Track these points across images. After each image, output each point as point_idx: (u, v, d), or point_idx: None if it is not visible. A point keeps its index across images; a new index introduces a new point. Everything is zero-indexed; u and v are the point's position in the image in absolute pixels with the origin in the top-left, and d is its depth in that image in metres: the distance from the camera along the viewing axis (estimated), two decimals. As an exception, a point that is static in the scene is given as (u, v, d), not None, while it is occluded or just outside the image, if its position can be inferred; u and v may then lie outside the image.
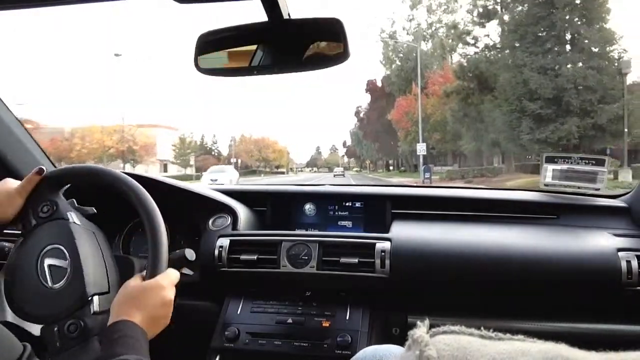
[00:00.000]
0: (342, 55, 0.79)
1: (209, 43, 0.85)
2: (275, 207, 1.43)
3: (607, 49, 16.56)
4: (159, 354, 0.90)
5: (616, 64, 16.25)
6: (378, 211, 1.37)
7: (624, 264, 1.03)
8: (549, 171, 1.35)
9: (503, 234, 1.21)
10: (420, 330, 0.39)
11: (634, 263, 1.03)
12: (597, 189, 1.30)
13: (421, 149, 19.61)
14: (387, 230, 1.24)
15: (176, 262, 1.07)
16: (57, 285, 0.91)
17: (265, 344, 1.10)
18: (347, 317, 1.12)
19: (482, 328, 0.39)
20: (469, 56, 21.23)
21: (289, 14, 0.76)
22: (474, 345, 0.37)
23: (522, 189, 1.50)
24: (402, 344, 0.79)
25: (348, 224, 1.41)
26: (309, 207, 1.43)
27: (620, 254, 1.05)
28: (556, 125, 16.18)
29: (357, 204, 1.40)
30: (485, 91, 18.98)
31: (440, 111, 22.83)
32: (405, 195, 1.41)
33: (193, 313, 1.26)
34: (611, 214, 1.27)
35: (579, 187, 1.31)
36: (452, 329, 0.39)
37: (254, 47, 0.84)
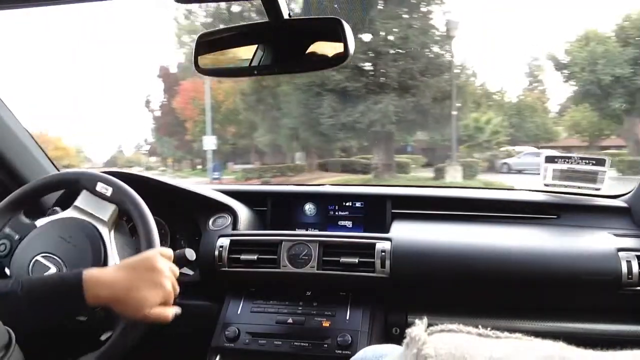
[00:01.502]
0: (342, 55, 0.79)
1: (208, 43, 0.85)
2: (275, 207, 1.43)
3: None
4: (159, 353, 0.90)
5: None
6: (378, 211, 1.37)
7: (624, 264, 1.03)
8: (549, 171, 1.35)
9: (503, 233, 1.21)
10: (418, 328, 0.39)
11: (634, 263, 1.03)
12: (598, 189, 1.30)
13: (209, 143, 15.45)
14: (387, 230, 1.24)
15: (176, 262, 1.07)
16: None
17: (266, 344, 1.10)
18: (347, 317, 1.12)
19: (480, 327, 0.39)
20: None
21: (289, 14, 0.76)
22: (471, 343, 0.37)
23: (522, 189, 1.50)
24: (402, 343, 0.79)
25: (348, 223, 1.41)
26: (309, 207, 1.43)
27: (621, 254, 1.05)
28: (368, 105, 11.64)
29: (358, 204, 1.40)
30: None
31: (234, 98, 17.70)
32: (406, 195, 1.41)
33: (193, 313, 1.26)
34: (611, 214, 1.27)
35: (579, 187, 1.31)
36: (449, 327, 0.39)
37: (254, 47, 0.84)
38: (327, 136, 12.95)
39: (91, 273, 0.78)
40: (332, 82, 11.60)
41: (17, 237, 0.99)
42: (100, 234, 0.97)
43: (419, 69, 11.85)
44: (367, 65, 12.18)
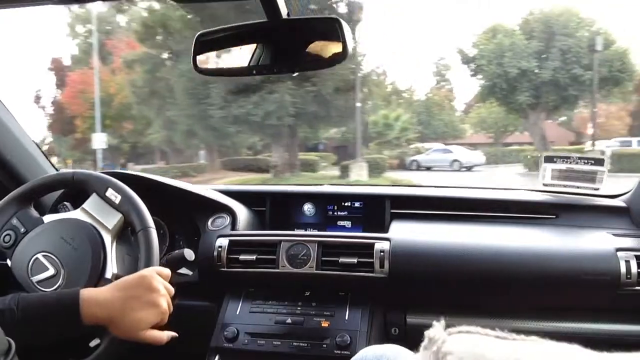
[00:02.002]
0: (340, 55, 0.79)
1: (206, 43, 0.85)
2: (274, 207, 1.43)
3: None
4: (159, 353, 0.90)
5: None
6: (377, 211, 1.37)
7: (622, 264, 1.03)
8: (547, 171, 1.35)
9: (502, 233, 1.21)
10: (437, 329, 0.39)
11: (633, 263, 1.03)
12: (597, 189, 1.30)
13: (98, 141, 13.77)
14: (386, 230, 1.24)
15: (175, 262, 1.07)
16: (55, 287, 0.94)
17: (265, 344, 1.10)
18: (346, 317, 1.12)
19: (497, 329, 0.39)
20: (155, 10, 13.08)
21: (288, 14, 0.76)
22: (489, 345, 0.37)
23: (521, 189, 1.50)
24: (401, 344, 0.79)
25: (347, 224, 1.40)
26: (308, 207, 1.43)
27: (619, 253, 1.05)
28: (262, 95, 9.99)
29: (356, 204, 1.40)
30: (182, 57, 11.40)
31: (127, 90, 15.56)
32: (405, 195, 1.41)
33: (192, 313, 1.26)
34: (610, 214, 1.27)
35: (578, 187, 1.32)
36: (467, 329, 0.39)
37: (253, 46, 0.84)
38: (218, 130, 11.34)
39: (88, 293, 0.79)
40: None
41: (22, 230, 1.00)
42: (102, 241, 0.96)
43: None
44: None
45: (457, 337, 0.38)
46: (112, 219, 0.98)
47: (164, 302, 0.83)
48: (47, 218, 1.01)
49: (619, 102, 17.40)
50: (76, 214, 1.00)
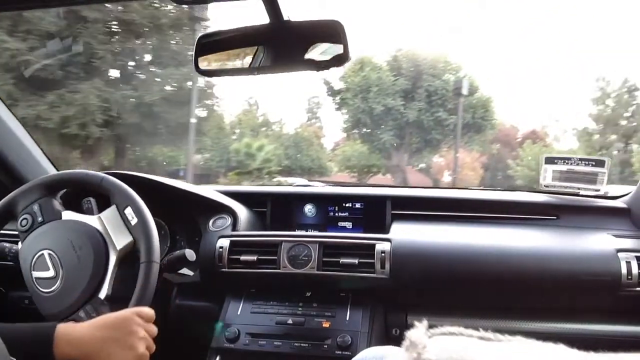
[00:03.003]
0: (341, 57, 0.79)
1: (209, 44, 0.86)
2: (275, 208, 1.43)
3: None
4: (159, 353, 0.91)
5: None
6: (378, 212, 1.37)
7: (623, 265, 1.03)
8: (548, 172, 1.35)
9: (503, 234, 1.22)
10: (418, 331, 0.39)
11: (634, 264, 1.03)
12: (597, 190, 1.30)
13: None
14: (387, 231, 1.24)
15: (176, 263, 1.07)
16: (49, 290, 0.94)
17: (266, 345, 1.10)
18: (347, 318, 1.12)
19: (480, 329, 0.39)
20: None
21: (289, 16, 0.76)
22: (472, 347, 0.37)
23: (522, 190, 1.50)
24: (402, 345, 0.79)
25: (348, 224, 1.41)
26: (309, 208, 1.43)
27: (620, 254, 1.05)
28: (63, 94, 7.71)
29: (357, 205, 1.40)
30: None
31: None
32: (405, 196, 1.41)
33: (193, 313, 1.26)
34: (611, 215, 1.27)
35: (578, 188, 1.32)
36: (450, 330, 0.39)
37: (254, 48, 0.84)
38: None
39: (64, 330, 0.77)
40: (8, 54, 6.93)
41: (40, 219, 1.00)
42: (107, 259, 0.95)
43: (152, 51, 8.28)
44: (64, 31, 7.70)
45: (438, 339, 0.38)
46: (123, 240, 0.96)
47: (142, 345, 0.81)
48: (66, 215, 1.01)
49: (479, 150, 17.22)
50: (92, 221, 0.98)
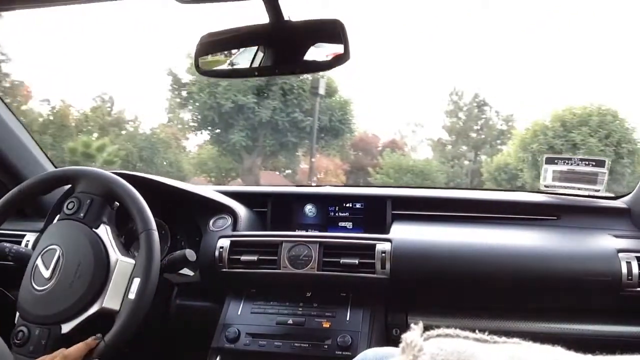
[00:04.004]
0: (342, 57, 0.79)
1: (209, 44, 0.86)
2: (275, 208, 1.43)
3: None
4: (160, 353, 0.91)
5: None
6: (378, 212, 1.37)
7: (624, 265, 1.03)
8: (549, 172, 1.35)
9: (503, 235, 1.21)
10: (414, 333, 0.38)
11: (634, 264, 1.03)
12: (597, 190, 1.30)
13: None
14: (387, 231, 1.24)
15: (177, 263, 1.07)
16: (38, 288, 0.95)
17: (266, 345, 1.10)
18: (348, 318, 1.12)
19: (477, 331, 0.39)
20: None
21: (289, 16, 0.76)
22: (468, 349, 0.36)
23: (523, 190, 1.50)
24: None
25: (348, 224, 1.41)
26: (309, 208, 1.43)
27: (621, 255, 1.05)
28: None
29: (358, 205, 1.40)
30: None
31: None
32: (406, 197, 1.41)
33: (193, 313, 1.26)
34: (611, 215, 1.27)
35: (579, 189, 1.32)
36: (446, 332, 0.39)
37: (254, 48, 0.84)
38: None
39: None
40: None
41: (82, 214, 0.99)
42: (102, 288, 0.94)
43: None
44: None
45: (434, 341, 0.38)
46: (114, 303, 0.93)
47: None
48: (103, 230, 0.99)
49: (336, 156, 16.71)
50: (113, 259, 0.96)
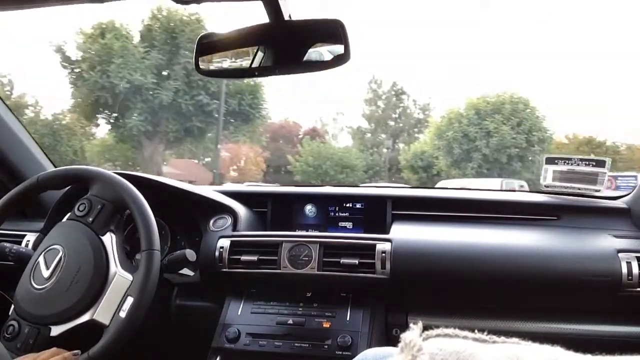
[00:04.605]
0: (342, 57, 0.79)
1: (209, 44, 0.86)
2: (275, 208, 1.43)
3: None
4: (160, 354, 0.91)
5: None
6: (378, 212, 1.37)
7: (624, 265, 1.03)
8: (549, 172, 1.35)
9: (503, 235, 1.22)
10: (413, 333, 0.38)
11: (634, 264, 1.03)
12: (598, 190, 1.30)
13: None
14: (387, 231, 1.24)
15: (177, 263, 1.07)
16: (35, 286, 0.95)
17: (266, 345, 1.10)
18: (348, 318, 1.12)
19: (476, 331, 0.39)
20: None
21: (289, 15, 0.76)
22: (467, 349, 0.36)
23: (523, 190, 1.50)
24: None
25: (348, 224, 1.41)
26: (309, 208, 1.43)
27: (621, 255, 1.05)
28: None
29: (358, 205, 1.40)
30: None
31: None
32: (406, 197, 1.41)
33: (193, 313, 1.26)
34: (611, 215, 1.27)
35: (579, 189, 1.32)
36: (445, 332, 0.39)
37: (254, 48, 0.84)
38: None
39: None
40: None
41: (90, 219, 0.99)
42: (99, 293, 0.93)
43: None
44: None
45: (433, 341, 0.38)
46: (106, 316, 0.93)
47: None
48: (107, 239, 0.99)
49: (248, 142, 16.09)
50: (112, 272, 0.96)
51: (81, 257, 0.96)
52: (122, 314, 0.90)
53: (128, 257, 1.01)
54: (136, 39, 11.79)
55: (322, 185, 1.66)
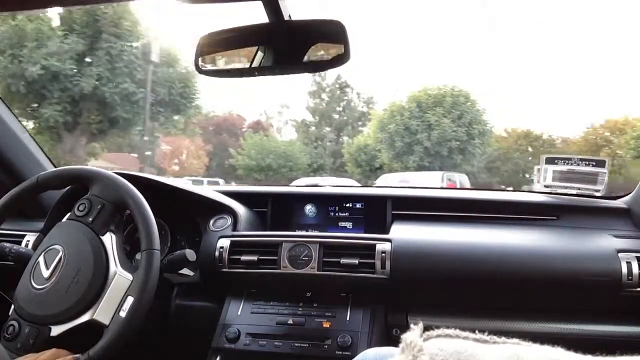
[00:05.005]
0: (342, 57, 0.79)
1: (210, 44, 0.86)
2: (275, 208, 1.43)
3: None
4: (160, 354, 0.91)
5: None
6: (378, 212, 1.37)
7: (624, 265, 1.03)
8: (549, 172, 1.35)
9: (503, 235, 1.22)
10: (414, 334, 0.38)
11: (634, 264, 1.03)
12: (597, 190, 1.30)
13: None
14: (387, 231, 1.24)
15: (177, 263, 1.07)
16: (35, 287, 0.95)
17: (266, 345, 1.10)
18: (348, 318, 1.12)
19: (477, 331, 0.39)
20: None
21: (289, 15, 0.76)
22: (468, 349, 0.36)
23: (523, 190, 1.50)
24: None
25: (348, 224, 1.41)
26: (309, 208, 1.43)
27: (620, 255, 1.05)
28: None
29: (358, 205, 1.40)
30: None
31: None
32: (406, 197, 1.41)
33: (193, 313, 1.26)
34: (611, 215, 1.27)
35: (579, 189, 1.32)
36: (446, 332, 0.39)
37: (254, 48, 0.84)
38: None
39: None
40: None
41: (90, 219, 0.98)
42: (99, 293, 0.93)
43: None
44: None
45: (434, 342, 0.38)
46: (107, 316, 0.92)
47: None
48: (107, 239, 0.99)
49: (180, 135, 15.44)
50: (111, 272, 0.95)
51: (81, 257, 0.95)
52: (122, 314, 0.90)
53: (128, 257, 1.01)
54: (55, 22, 10.73)
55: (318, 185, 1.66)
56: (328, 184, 1.89)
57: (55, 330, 0.92)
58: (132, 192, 1.00)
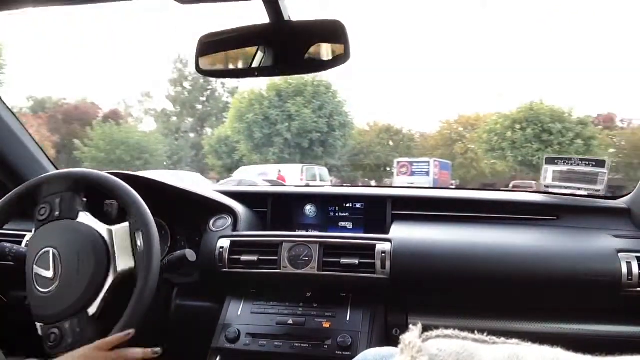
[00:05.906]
0: (342, 57, 0.79)
1: (210, 44, 0.86)
2: (275, 208, 1.43)
3: None
4: (160, 353, 0.91)
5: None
6: (378, 212, 1.37)
7: (624, 265, 1.03)
8: (549, 172, 1.35)
9: (503, 235, 1.22)
10: (413, 334, 0.38)
11: (634, 264, 1.03)
12: (598, 190, 1.30)
13: None
14: (387, 232, 1.24)
15: (177, 263, 1.07)
16: (45, 291, 0.94)
17: (266, 345, 1.10)
18: (348, 318, 1.12)
19: (476, 332, 0.39)
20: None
21: (289, 16, 0.76)
22: (467, 350, 0.36)
23: (523, 190, 1.50)
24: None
25: (348, 225, 1.41)
26: (309, 208, 1.43)
27: (620, 255, 1.05)
28: None
29: (358, 205, 1.40)
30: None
31: None
32: (406, 197, 1.41)
33: (194, 313, 1.26)
34: (611, 216, 1.27)
35: (579, 189, 1.32)
36: (445, 333, 0.39)
37: (255, 48, 0.84)
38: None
39: None
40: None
41: (57, 213, 0.99)
42: (105, 277, 0.94)
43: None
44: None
45: (433, 342, 0.38)
46: (125, 263, 0.95)
47: None
48: (82, 216, 1.00)
49: None
50: (103, 231, 0.97)
51: (73, 243, 0.96)
52: (140, 246, 0.94)
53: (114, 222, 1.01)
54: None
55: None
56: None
57: (92, 309, 0.92)
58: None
